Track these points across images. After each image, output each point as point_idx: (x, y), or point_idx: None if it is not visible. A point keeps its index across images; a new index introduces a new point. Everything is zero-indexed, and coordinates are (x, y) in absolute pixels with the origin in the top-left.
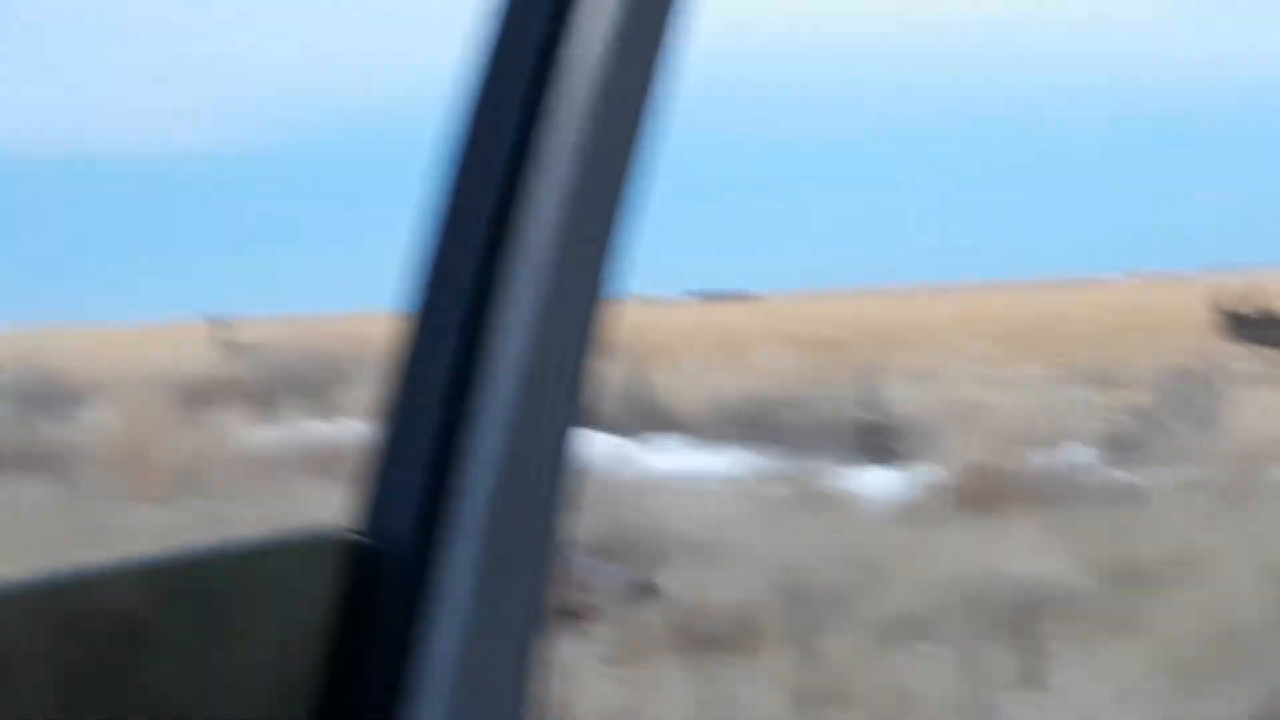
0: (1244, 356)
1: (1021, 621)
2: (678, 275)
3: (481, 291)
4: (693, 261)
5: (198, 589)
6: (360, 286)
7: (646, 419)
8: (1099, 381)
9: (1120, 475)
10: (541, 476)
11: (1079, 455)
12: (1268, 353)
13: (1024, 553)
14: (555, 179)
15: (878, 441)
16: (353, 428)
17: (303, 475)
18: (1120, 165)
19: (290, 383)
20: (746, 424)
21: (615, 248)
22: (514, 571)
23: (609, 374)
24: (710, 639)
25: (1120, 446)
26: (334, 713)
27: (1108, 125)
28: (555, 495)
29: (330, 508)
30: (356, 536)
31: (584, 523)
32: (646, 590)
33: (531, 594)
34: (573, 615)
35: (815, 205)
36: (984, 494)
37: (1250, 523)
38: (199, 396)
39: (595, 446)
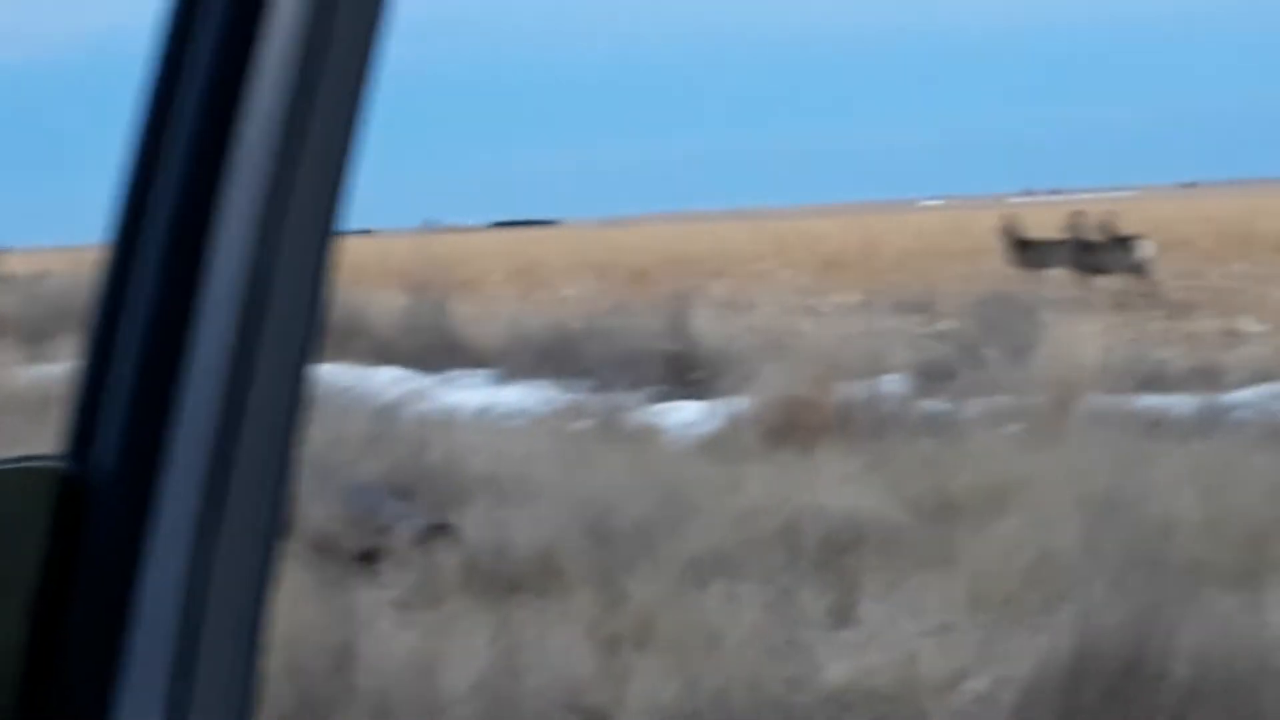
0: (1065, 282)
1: (833, 557)
2: (477, 203)
3: (190, 214)
4: (494, 189)
5: None
6: None
7: (445, 354)
8: (914, 310)
9: (935, 405)
10: (267, 405)
11: (893, 386)
12: (1051, 277)
13: (836, 486)
14: (269, 100)
15: (686, 374)
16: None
17: None
18: (937, 91)
19: (67, 317)
20: (550, 357)
21: (341, 172)
22: (239, 502)
23: (404, 308)
24: (510, 581)
25: (935, 376)
26: (43, 650)
27: (923, 51)
28: (282, 425)
29: None
30: (65, 464)
31: (379, 462)
32: (443, 531)
33: (258, 526)
34: (366, 558)
35: (617, 132)
36: (796, 426)
37: (1064, 452)
38: None
39: (390, 383)
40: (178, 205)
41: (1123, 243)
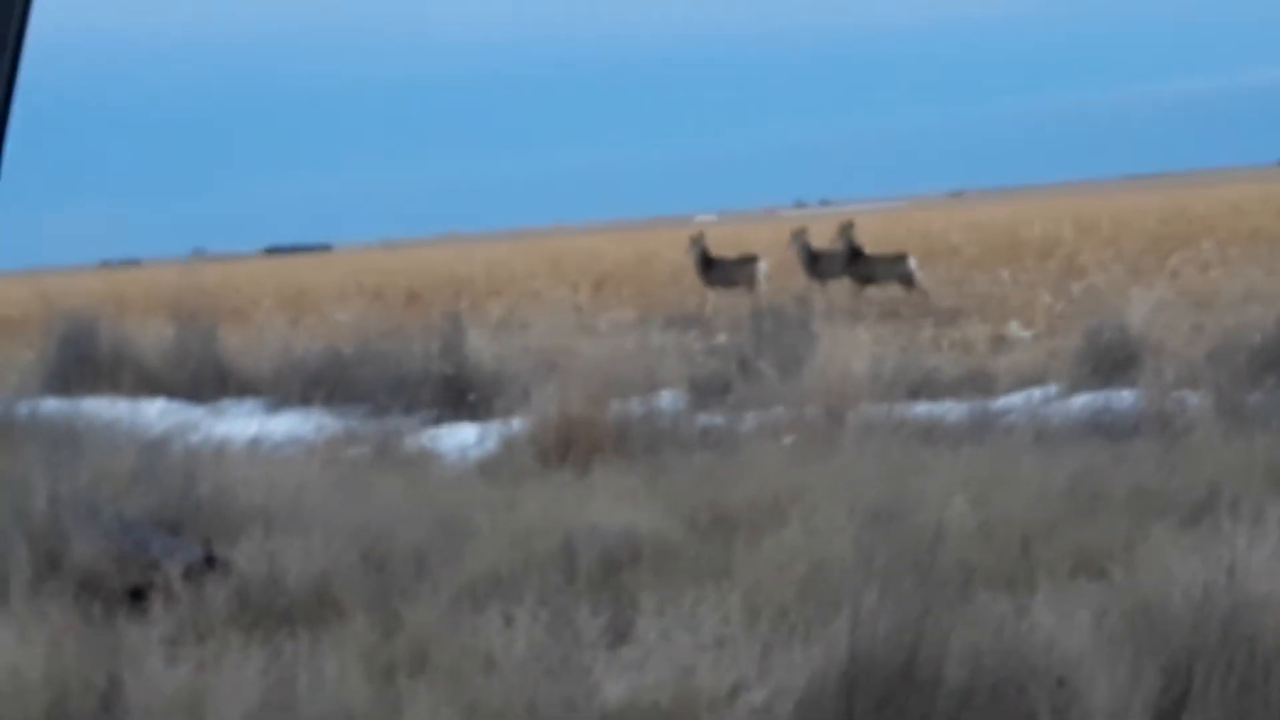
0: (843, 294)
1: (610, 575)
2: (248, 230)
3: None
4: (264, 215)
5: None
6: None
7: (216, 383)
8: (689, 325)
9: (711, 419)
10: None
11: (670, 401)
12: (727, 294)
13: (613, 504)
14: None
15: (462, 395)
16: None
17: None
18: (708, 106)
19: None
20: (323, 383)
21: None
22: None
23: (173, 338)
24: (283, 613)
25: (711, 390)
26: None
27: (695, 66)
28: None
29: None
30: None
31: (148, 497)
32: (214, 565)
33: None
34: (134, 595)
35: (391, 156)
36: (573, 445)
37: (839, 462)
38: None
39: (160, 415)
40: None
41: (866, 256)
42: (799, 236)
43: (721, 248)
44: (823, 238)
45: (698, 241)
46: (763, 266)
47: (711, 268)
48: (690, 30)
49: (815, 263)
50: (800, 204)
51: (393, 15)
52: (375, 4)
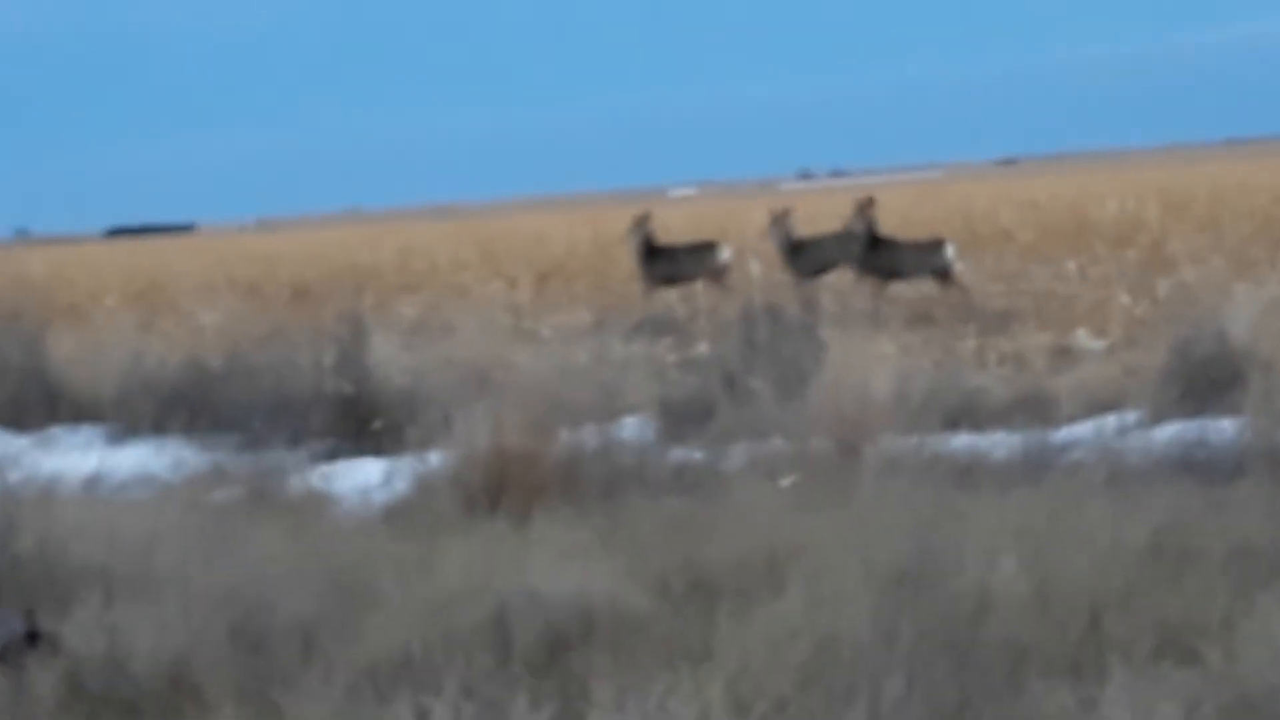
0: (856, 292)
1: (554, 656)
2: (87, 206)
3: None
4: (108, 188)
5: None
6: None
7: (43, 405)
8: (661, 331)
9: (689, 453)
10: None
11: (635, 430)
12: (681, 290)
13: (559, 563)
14: None
15: (365, 422)
16: None
17: None
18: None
19: None
20: (183, 406)
21: None
22: None
23: None
24: (128, 703)
25: (688, 416)
26: None
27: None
28: None
29: None
30: None
31: None
32: (38, 641)
33: None
34: None
35: (270, 115)
36: (508, 486)
37: (854, 510)
38: None
39: None
40: None
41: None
42: (780, 221)
43: (707, 230)
44: (834, 219)
45: (640, 225)
46: (725, 254)
47: (658, 259)
48: None
49: (797, 255)
50: (806, 174)
51: None
52: None
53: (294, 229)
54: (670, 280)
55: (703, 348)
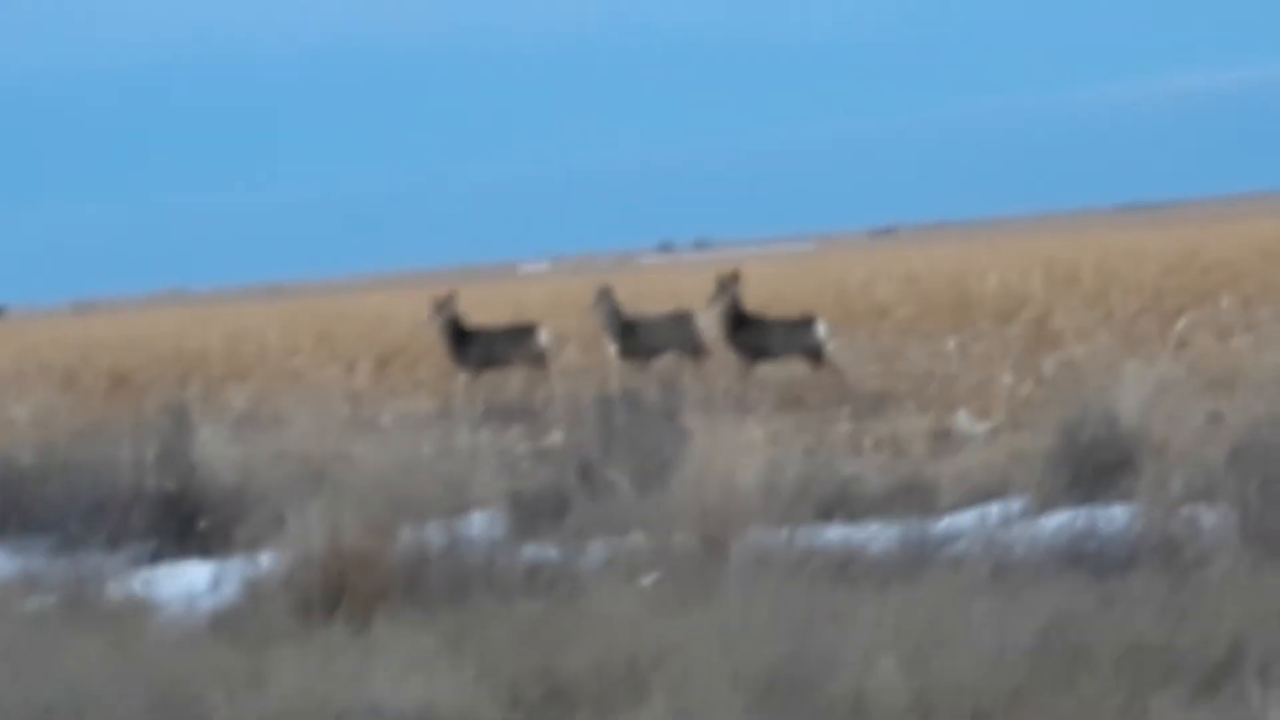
0: (725, 374)
1: None
2: None
3: None
4: None
5: None
6: None
7: None
8: (511, 418)
9: (542, 551)
10: None
11: (483, 526)
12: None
13: (402, 674)
14: None
15: (189, 522)
16: None
17: None
18: (530, 107)
19: None
20: None
21: None
22: None
23: None
24: None
25: (541, 511)
26: None
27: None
28: None
29: None
30: None
31: None
32: None
33: None
34: None
35: (83, 187)
36: (346, 590)
37: (721, 610)
38: None
39: None
40: None
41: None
42: (604, 298)
43: (559, 309)
44: (696, 296)
45: (445, 306)
46: (544, 337)
47: (468, 342)
48: (517, 8)
49: (629, 336)
50: (667, 246)
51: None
52: None
53: (112, 311)
54: (485, 365)
55: (556, 436)
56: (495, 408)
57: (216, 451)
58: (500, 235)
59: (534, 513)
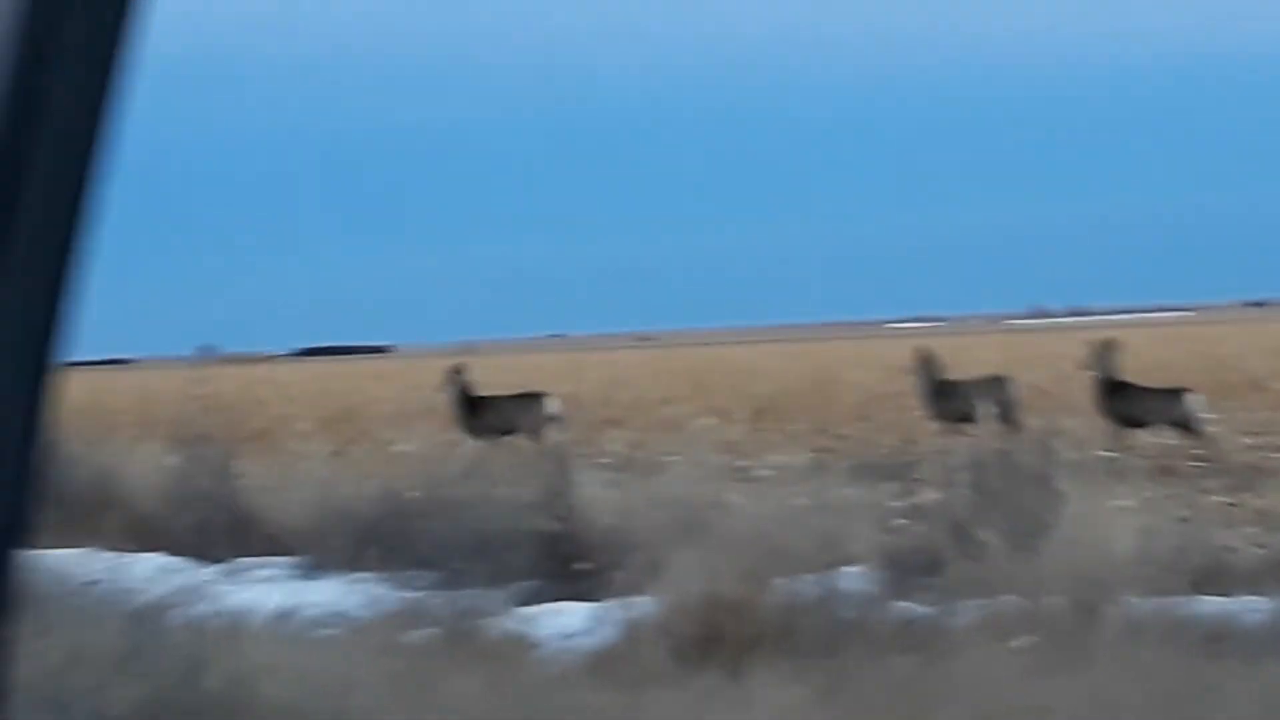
0: (1106, 440)
1: None
2: (278, 324)
3: None
4: (300, 305)
5: None
6: None
7: (231, 534)
8: (884, 475)
9: (914, 608)
10: None
11: (856, 581)
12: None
13: None
14: None
15: (568, 563)
16: None
17: None
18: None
19: None
20: (378, 540)
21: (63, 289)
22: None
23: (174, 469)
24: None
25: (913, 568)
26: None
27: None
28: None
29: None
30: None
31: (136, 688)
32: None
33: None
34: None
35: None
36: (720, 638)
37: (1093, 677)
38: None
39: (155, 576)
40: None
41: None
42: (927, 362)
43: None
44: (1069, 360)
45: (456, 376)
46: (552, 405)
47: (478, 410)
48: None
49: (943, 397)
50: (1039, 311)
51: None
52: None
53: (494, 354)
54: (496, 432)
55: (929, 494)
56: (868, 463)
57: (595, 495)
58: (866, 294)
59: (906, 569)
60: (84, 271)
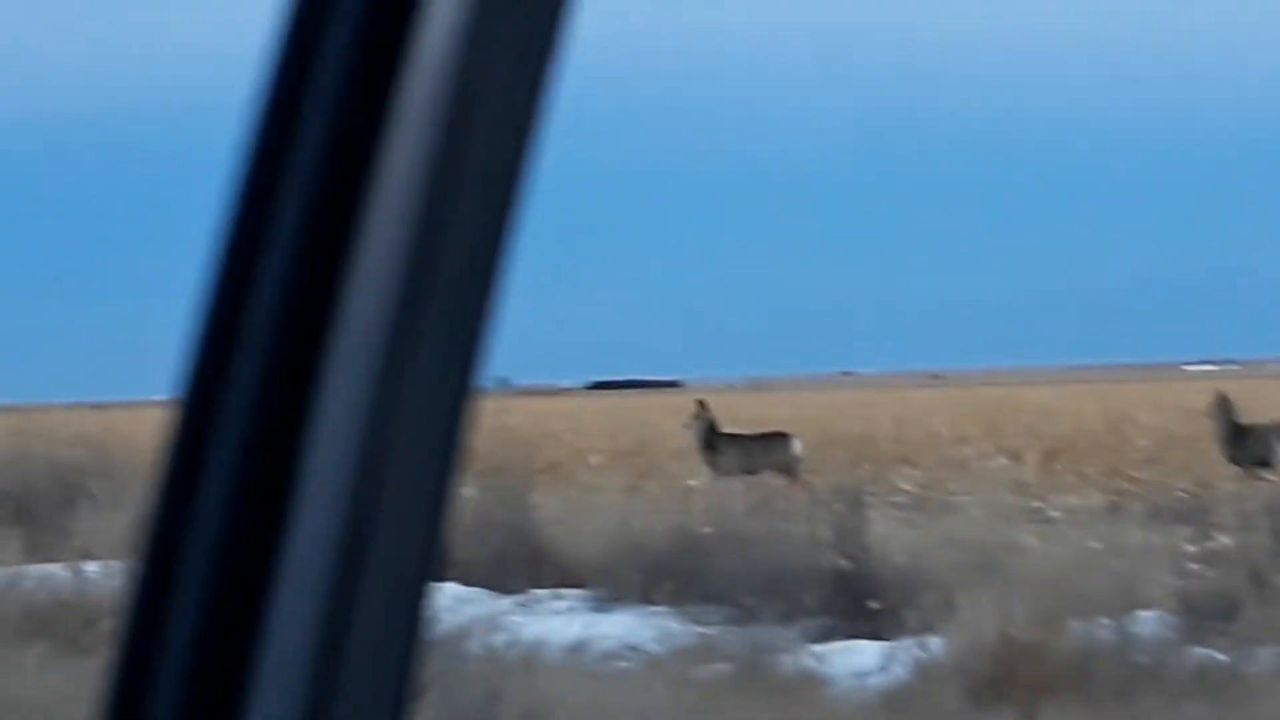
0: None
1: None
2: (571, 357)
3: (284, 382)
4: (594, 338)
5: None
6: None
7: (526, 566)
8: (1179, 519)
9: (1210, 654)
10: (378, 643)
11: (1151, 625)
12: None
13: None
14: (387, 232)
15: (860, 602)
16: (97, 572)
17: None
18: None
19: None
20: (670, 574)
21: (484, 311)
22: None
23: (468, 500)
24: None
25: (1209, 613)
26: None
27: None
28: (398, 678)
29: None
30: None
31: (433, 713)
32: None
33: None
34: None
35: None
36: (1014, 680)
37: None
38: None
39: (450, 606)
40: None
41: None
42: (1224, 404)
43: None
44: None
45: (701, 413)
46: (797, 446)
47: (723, 447)
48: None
49: (1240, 441)
50: None
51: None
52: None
53: (783, 390)
54: (741, 470)
55: (1224, 539)
56: (1162, 506)
57: (886, 535)
58: (1160, 335)
59: (1203, 614)
60: (505, 292)
